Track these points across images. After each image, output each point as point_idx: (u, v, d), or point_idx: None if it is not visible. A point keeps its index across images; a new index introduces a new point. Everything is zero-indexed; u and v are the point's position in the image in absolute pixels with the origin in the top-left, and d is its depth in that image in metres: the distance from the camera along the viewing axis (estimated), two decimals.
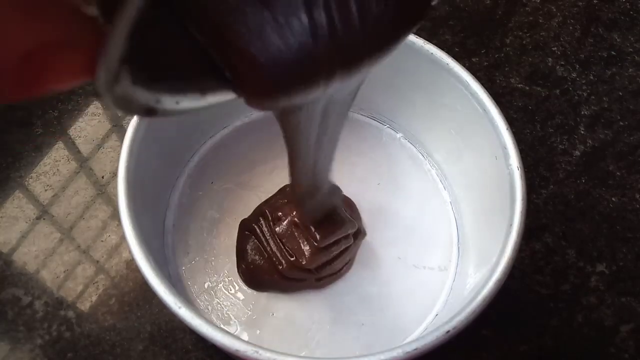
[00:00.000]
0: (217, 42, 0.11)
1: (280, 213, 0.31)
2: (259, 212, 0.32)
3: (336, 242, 0.29)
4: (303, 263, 0.29)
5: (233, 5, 0.10)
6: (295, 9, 0.10)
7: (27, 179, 0.37)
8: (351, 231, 0.30)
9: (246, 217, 0.33)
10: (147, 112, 0.11)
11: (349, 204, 0.34)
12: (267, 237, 0.31)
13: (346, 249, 0.30)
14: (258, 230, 0.32)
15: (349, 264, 0.32)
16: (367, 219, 0.34)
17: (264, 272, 0.31)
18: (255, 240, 0.32)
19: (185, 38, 0.11)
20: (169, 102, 0.11)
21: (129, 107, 0.11)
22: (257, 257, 0.31)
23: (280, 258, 0.30)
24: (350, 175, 0.35)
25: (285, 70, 0.11)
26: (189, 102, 0.12)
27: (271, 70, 0.11)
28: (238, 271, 0.32)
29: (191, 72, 0.12)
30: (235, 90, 0.12)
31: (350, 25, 0.11)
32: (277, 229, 0.30)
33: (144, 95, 0.11)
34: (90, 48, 0.10)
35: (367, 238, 0.33)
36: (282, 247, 0.30)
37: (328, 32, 0.11)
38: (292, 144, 0.18)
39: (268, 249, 0.31)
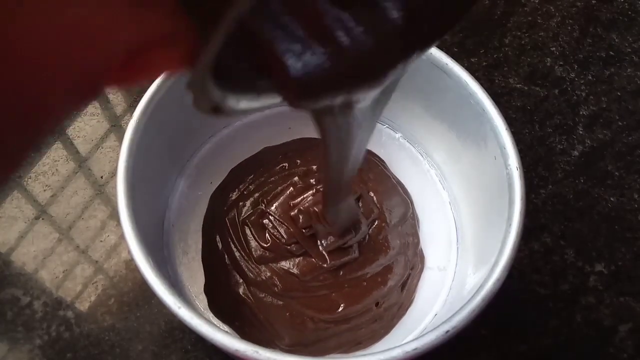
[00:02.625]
0: (268, 59, 0.14)
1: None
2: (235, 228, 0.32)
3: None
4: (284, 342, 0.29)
5: (273, 37, 0.13)
6: (310, 43, 0.14)
7: (26, 179, 0.37)
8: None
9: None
10: (214, 109, 0.13)
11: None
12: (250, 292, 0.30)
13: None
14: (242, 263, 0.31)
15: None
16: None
17: (240, 316, 0.30)
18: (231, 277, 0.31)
19: (249, 51, 0.14)
20: (232, 101, 0.14)
21: (203, 103, 0.13)
22: (233, 299, 0.30)
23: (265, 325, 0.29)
24: None
25: (310, 83, 0.14)
26: (247, 103, 0.14)
27: (300, 82, 0.14)
28: (204, 290, 0.31)
29: (251, 78, 0.14)
30: (279, 94, 0.15)
31: (357, 50, 0.14)
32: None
33: (216, 93, 0.13)
34: (184, 43, 0.11)
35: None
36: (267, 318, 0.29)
37: (338, 57, 0.14)
38: (326, 143, 0.20)
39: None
